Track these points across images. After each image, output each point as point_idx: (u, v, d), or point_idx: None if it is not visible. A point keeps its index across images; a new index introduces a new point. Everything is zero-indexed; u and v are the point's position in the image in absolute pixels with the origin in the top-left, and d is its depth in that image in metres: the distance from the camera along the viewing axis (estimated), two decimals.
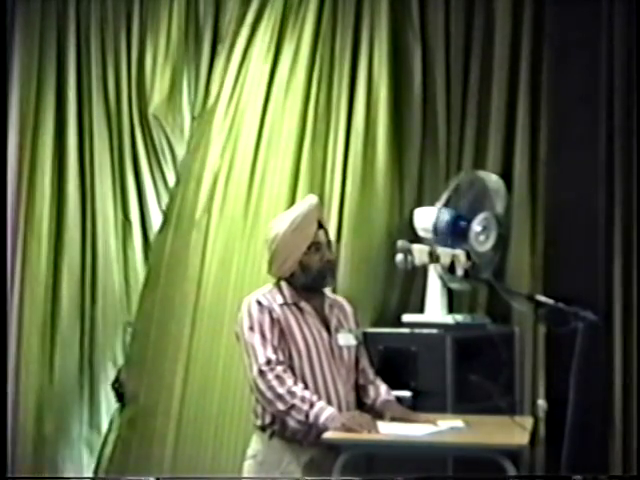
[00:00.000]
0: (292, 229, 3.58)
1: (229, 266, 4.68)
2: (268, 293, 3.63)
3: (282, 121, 4.69)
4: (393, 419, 3.53)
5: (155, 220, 5.06)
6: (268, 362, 3.46)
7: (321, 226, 3.65)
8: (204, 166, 4.79)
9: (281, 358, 3.49)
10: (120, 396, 4.87)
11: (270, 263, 3.65)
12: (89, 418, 5.00)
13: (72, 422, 4.99)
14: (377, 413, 3.58)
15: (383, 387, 3.71)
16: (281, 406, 3.44)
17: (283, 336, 3.55)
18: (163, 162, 5.04)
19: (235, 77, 4.79)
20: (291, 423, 3.46)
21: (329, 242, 3.67)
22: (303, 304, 3.62)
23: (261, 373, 3.46)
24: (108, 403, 4.98)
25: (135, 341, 4.90)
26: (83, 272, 5.03)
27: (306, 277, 3.61)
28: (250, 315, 3.56)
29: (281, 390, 3.44)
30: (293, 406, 3.43)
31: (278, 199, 4.60)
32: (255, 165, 4.71)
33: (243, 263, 4.65)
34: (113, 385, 4.92)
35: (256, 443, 3.61)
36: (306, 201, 3.69)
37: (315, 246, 3.60)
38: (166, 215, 4.94)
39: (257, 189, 4.69)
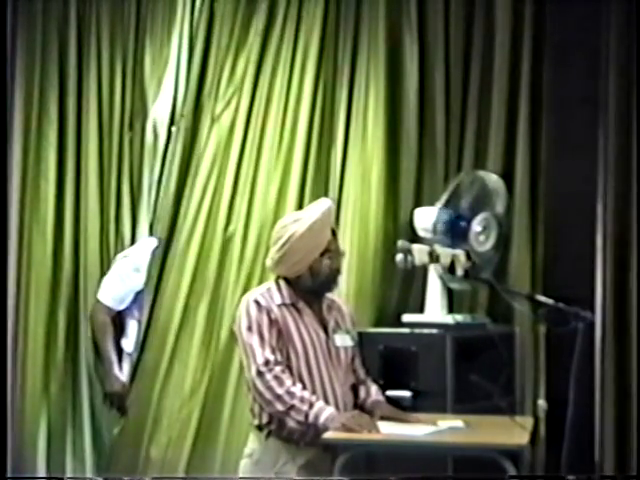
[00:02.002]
0: (310, 234, 3.55)
1: (251, 275, 4.62)
2: (266, 292, 3.63)
3: (295, 129, 4.66)
4: (382, 419, 3.54)
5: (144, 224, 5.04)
6: (266, 363, 3.47)
7: (333, 233, 3.65)
8: (224, 177, 4.71)
9: (279, 358, 3.50)
10: (120, 409, 4.84)
11: (278, 262, 3.63)
12: (72, 420, 4.98)
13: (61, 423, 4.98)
14: (367, 413, 3.58)
15: (373, 387, 3.73)
16: (280, 407, 3.44)
17: (281, 336, 3.55)
18: (158, 165, 5.02)
19: (253, 85, 4.74)
20: (290, 424, 3.47)
21: (338, 249, 3.66)
22: (301, 305, 3.62)
23: (259, 374, 3.47)
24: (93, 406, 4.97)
25: (148, 349, 4.77)
26: (76, 272, 5.02)
27: (313, 282, 3.60)
28: (248, 315, 3.56)
29: (280, 391, 3.44)
30: (292, 407, 3.43)
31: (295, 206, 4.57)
32: (274, 173, 4.67)
33: (263, 271, 4.61)
34: (105, 402, 4.88)
35: (252, 442, 3.62)
36: (322, 205, 3.64)
37: (328, 253, 3.59)
38: (178, 225, 4.80)
39: (275, 197, 4.65)
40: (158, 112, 4.99)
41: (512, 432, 3.43)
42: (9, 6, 4.99)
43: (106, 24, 5.06)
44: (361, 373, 3.76)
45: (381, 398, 3.71)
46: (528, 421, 3.59)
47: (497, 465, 3.21)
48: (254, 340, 3.52)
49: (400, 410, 3.68)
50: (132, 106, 5.03)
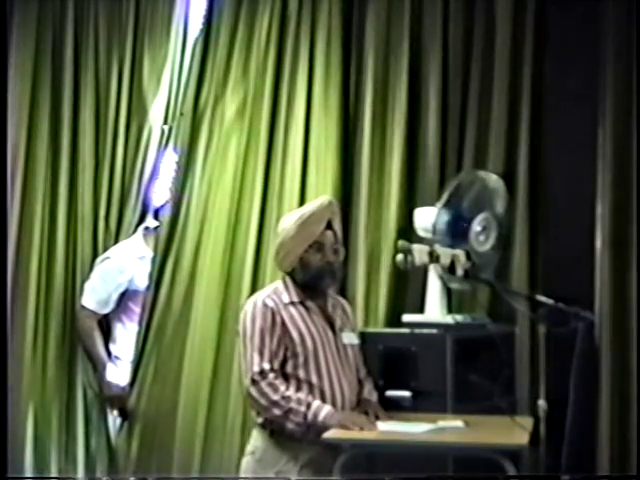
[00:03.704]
0: (297, 225, 3.62)
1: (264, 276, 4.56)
2: (273, 293, 3.66)
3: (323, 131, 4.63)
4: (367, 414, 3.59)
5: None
6: (261, 372, 3.52)
7: (330, 227, 3.67)
8: (255, 179, 4.65)
9: (275, 366, 3.54)
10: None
11: (275, 255, 3.73)
12: (66, 424, 4.95)
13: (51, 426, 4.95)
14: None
15: (367, 387, 3.78)
16: (277, 412, 3.48)
17: (288, 337, 3.58)
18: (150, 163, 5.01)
19: (271, 83, 4.69)
20: (290, 426, 3.50)
21: (335, 244, 3.68)
22: (309, 303, 3.66)
23: (253, 382, 3.52)
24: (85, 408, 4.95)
25: (158, 355, 4.71)
26: (74, 271, 5.00)
27: (304, 275, 3.65)
28: (253, 319, 3.59)
29: (275, 397, 3.48)
30: (290, 410, 3.48)
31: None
32: (298, 173, 4.61)
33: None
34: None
35: (255, 440, 3.65)
36: (318, 200, 3.74)
37: (317, 245, 3.63)
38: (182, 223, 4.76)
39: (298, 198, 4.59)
40: (155, 111, 4.99)
41: (512, 432, 3.43)
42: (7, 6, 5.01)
43: (104, 23, 5.07)
44: (362, 372, 3.79)
45: (370, 398, 3.77)
46: (528, 421, 3.59)
47: (497, 465, 3.21)
48: (255, 347, 3.55)
49: (384, 412, 3.71)
50: (129, 105, 5.02)
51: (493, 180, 4.28)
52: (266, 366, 3.52)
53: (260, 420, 3.61)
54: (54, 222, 5.02)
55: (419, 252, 4.14)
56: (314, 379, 3.57)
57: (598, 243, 4.13)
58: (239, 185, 4.68)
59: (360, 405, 3.69)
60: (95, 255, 4.95)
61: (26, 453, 4.90)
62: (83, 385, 4.93)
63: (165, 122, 4.97)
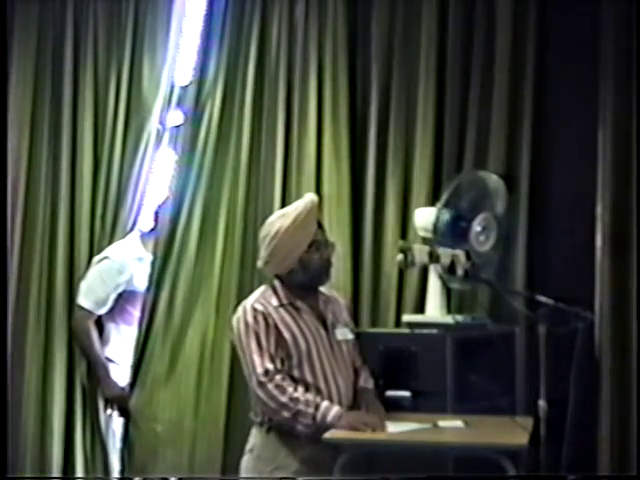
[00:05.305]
0: (295, 226, 3.61)
1: None
2: (261, 297, 3.66)
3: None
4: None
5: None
6: (266, 373, 3.51)
7: (320, 225, 3.69)
8: (274, 186, 4.62)
9: (279, 366, 3.54)
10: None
11: (267, 260, 3.67)
12: (66, 423, 4.93)
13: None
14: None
15: (364, 375, 3.79)
16: (286, 414, 3.49)
17: (282, 339, 3.58)
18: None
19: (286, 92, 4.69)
20: (299, 427, 3.50)
21: (327, 241, 3.70)
22: (299, 303, 3.65)
23: (260, 384, 3.51)
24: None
25: (162, 357, 4.69)
26: (72, 271, 5.00)
27: (305, 275, 3.64)
28: (246, 323, 3.59)
29: (283, 399, 3.48)
30: (298, 412, 3.48)
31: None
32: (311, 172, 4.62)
33: None
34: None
35: (254, 437, 3.66)
36: (307, 199, 3.71)
37: (315, 244, 3.64)
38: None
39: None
40: (154, 112, 4.98)
41: (512, 432, 3.43)
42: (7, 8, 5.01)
43: (103, 24, 5.06)
44: (358, 362, 3.80)
45: (368, 386, 3.78)
46: (528, 421, 3.59)
47: (497, 465, 3.21)
48: (253, 350, 3.55)
49: (380, 404, 3.71)
50: (128, 105, 5.01)
51: (493, 180, 4.28)
52: (269, 366, 3.51)
53: (258, 418, 3.62)
54: (55, 223, 5.02)
55: (419, 252, 4.15)
56: (309, 378, 3.58)
57: (598, 243, 4.13)
58: (257, 193, 4.67)
59: (357, 395, 3.70)
60: (91, 255, 4.94)
61: (26, 453, 4.91)
62: (83, 385, 4.92)
63: (162, 123, 4.96)
